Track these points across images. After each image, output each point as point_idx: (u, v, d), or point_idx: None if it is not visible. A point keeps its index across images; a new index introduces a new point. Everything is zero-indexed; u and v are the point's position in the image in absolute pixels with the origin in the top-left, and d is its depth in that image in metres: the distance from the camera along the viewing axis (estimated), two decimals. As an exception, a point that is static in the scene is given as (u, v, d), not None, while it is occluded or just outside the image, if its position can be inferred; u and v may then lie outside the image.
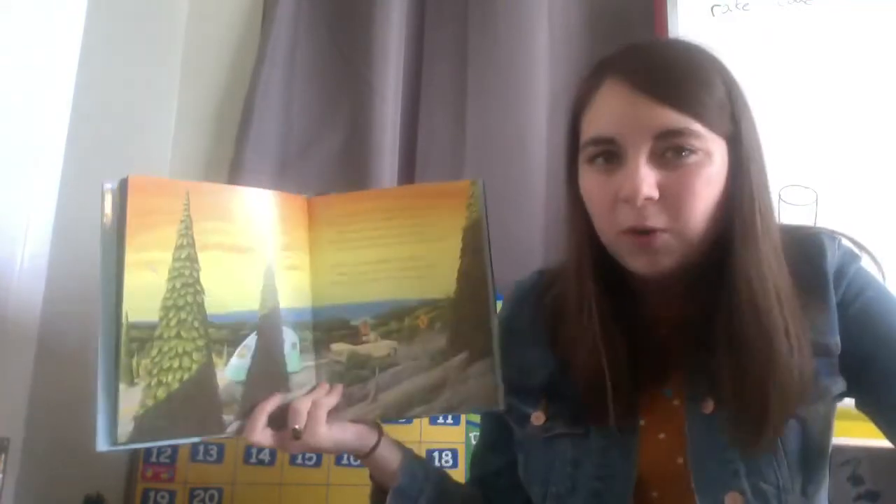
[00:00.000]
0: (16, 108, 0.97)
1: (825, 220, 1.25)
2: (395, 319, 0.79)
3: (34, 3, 1.00)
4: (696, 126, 0.66)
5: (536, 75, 1.40)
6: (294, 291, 0.80)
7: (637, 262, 0.69)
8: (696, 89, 0.67)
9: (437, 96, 1.45)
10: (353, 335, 0.79)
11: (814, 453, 0.69)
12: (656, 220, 0.66)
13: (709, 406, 0.70)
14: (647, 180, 0.65)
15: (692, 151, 0.66)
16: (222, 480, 1.18)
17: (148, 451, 1.18)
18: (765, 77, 1.30)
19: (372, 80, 1.40)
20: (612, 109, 0.69)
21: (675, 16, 1.37)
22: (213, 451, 1.19)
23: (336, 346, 0.80)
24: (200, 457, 1.19)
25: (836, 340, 0.70)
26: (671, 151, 0.66)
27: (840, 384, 0.70)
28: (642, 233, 0.67)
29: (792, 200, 1.27)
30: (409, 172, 1.44)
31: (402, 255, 0.79)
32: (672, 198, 0.66)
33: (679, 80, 0.67)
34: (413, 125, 1.46)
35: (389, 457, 0.80)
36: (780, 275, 0.68)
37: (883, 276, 0.74)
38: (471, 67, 1.42)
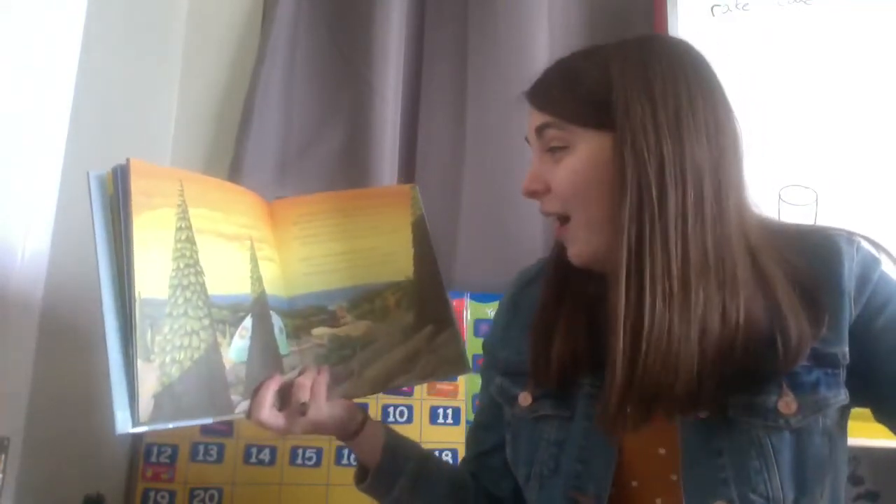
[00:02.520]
0: (16, 108, 0.97)
1: (825, 220, 1.25)
2: (366, 301, 0.86)
3: (34, 3, 1.00)
4: (556, 121, 0.72)
5: (536, 75, 1.40)
6: (272, 281, 0.83)
7: (568, 253, 0.76)
8: (556, 89, 0.74)
9: (437, 96, 1.45)
10: (331, 319, 0.85)
11: (811, 467, 0.66)
12: (551, 206, 0.75)
13: (703, 411, 0.69)
14: (530, 176, 0.75)
15: (558, 147, 0.73)
16: (222, 480, 1.18)
17: (148, 450, 1.18)
18: (765, 77, 1.30)
19: (372, 80, 1.40)
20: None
21: (675, 16, 1.37)
22: (213, 451, 1.20)
23: (317, 331, 0.84)
24: (200, 457, 1.19)
25: (843, 351, 0.67)
26: (550, 151, 0.74)
27: (842, 396, 0.68)
28: (557, 225, 0.76)
29: (792, 200, 1.27)
30: (409, 172, 1.44)
31: (364, 247, 0.88)
32: (555, 189, 0.74)
33: (543, 85, 0.76)
34: (413, 125, 1.46)
35: (375, 435, 0.84)
36: (667, 259, 0.65)
37: None
38: (471, 67, 1.42)
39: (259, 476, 1.19)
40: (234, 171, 1.37)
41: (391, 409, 1.24)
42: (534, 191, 0.75)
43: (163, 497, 1.17)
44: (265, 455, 1.21)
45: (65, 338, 1.04)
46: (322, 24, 1.48)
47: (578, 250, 0.73)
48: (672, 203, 0.65)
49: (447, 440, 1.24)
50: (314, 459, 1.21)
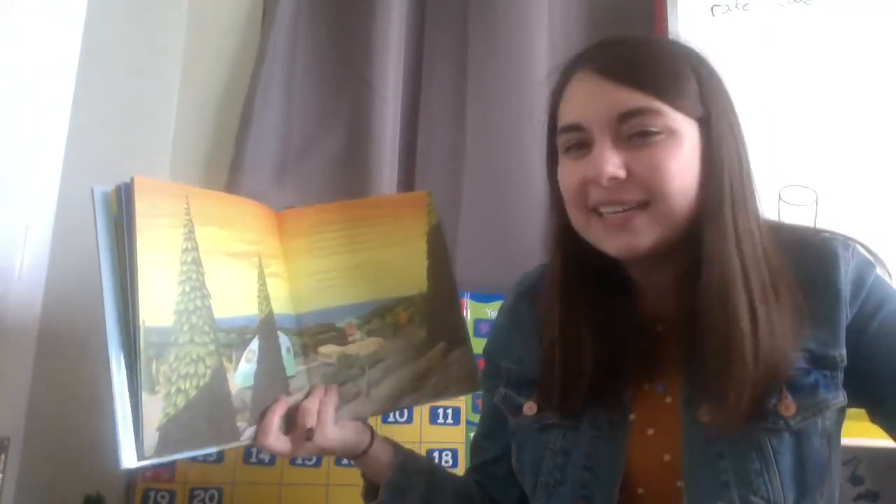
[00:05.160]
0: (16, 109, 0.97)
1: (825, 220, 1.25)
2: (377, 318, 0.84)
3: (34, 2, 1.00)
4: (658, 104, 0.67)
5: (536, 76, 1.40)
6: (280, 298, 0.81)
7: (613, 245, 0.70)
8: (659, 71, 0.68)
9: (437, 96, 1.45)
10: (339, 337, 0.83)
11: (811, 468, 0.67)
12: (630, 194, 0.67)
13: (705, 414, 0.69)
14: (612, 160, 0.67)
15: (657, 132, 0.67)
16: (222, 480, 1.18)
17: (148, 451, 1.18)
18: (764, 77, 1.30)
19: (372, 80, 1.40)
20: (579, 97, 0.71)
21: (675, 16, 1.37)
22: (213, 451, 1.19)
23: (324, 349, 0.82)
24: (200, 457, 1.19)
25: (841, 353, 0.68)
26: (636, 136, 0.67)
27: (841, 398, 0.68)
28: (616, 213, 0.68)
29: (792, 200, 1.27)
30: (408, 172, 1.44)
31: (375, 259, 0.85)
32: (641, 176, 0.67)
33: (642, 64, 0.69)
34: (413, 125, 1.46)
35: (383, 453, 0.83)
36: (755, 259, 0.68)
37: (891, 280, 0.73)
38: (471, 68, 1.42)
39: (259, 476, 1.19)
40: (234, 171, 1.37)
41: (391, 409, 1.24)
42: (616, 177, 0.67)
43: (163, 497, 1.17)
44: (265, 455, 1.20)
45: (64, 338, 1.04)
46: (322, 24, 1.47)
47: (646, 242, 0.68)
48: (751, 208, 0.70)
49: (447, 440, 1.24)
50: (314, 459, 1.20)
